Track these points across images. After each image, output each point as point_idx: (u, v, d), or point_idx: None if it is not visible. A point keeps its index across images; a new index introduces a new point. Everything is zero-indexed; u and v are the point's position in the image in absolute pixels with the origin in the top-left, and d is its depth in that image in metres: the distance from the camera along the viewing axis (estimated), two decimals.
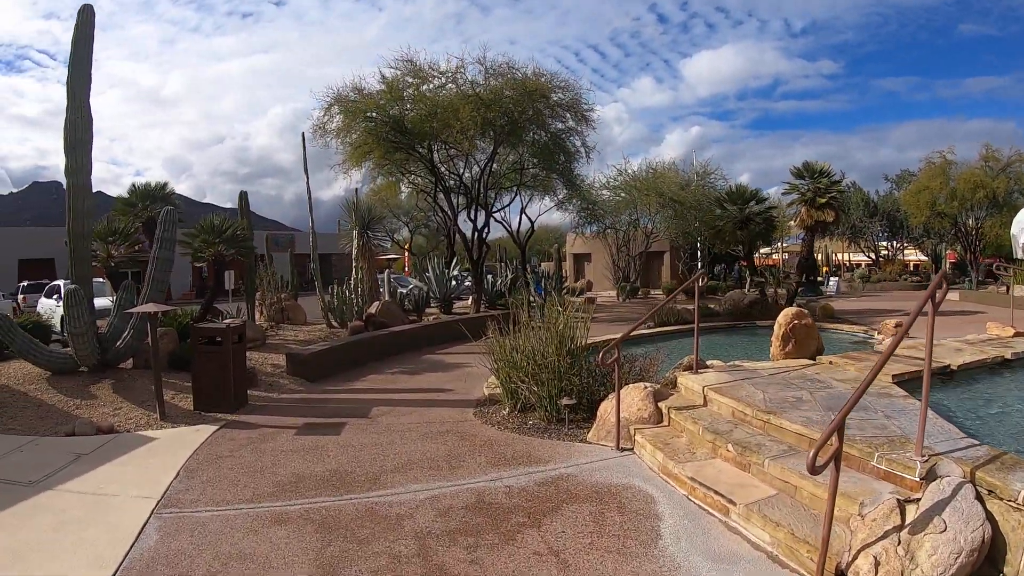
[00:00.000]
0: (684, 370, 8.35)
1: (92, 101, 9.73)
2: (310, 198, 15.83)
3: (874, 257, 48.16)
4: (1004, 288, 29.50)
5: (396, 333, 14.40)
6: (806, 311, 9.88)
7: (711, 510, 5.35)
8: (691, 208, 29.80)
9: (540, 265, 39.90)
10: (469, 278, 24.52)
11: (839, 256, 53.88)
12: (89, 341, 9.46)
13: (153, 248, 10.03)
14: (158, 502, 5.55)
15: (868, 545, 4.23)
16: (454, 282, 22.98)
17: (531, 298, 24.14)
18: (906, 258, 49.93)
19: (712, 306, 21.71)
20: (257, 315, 15.79)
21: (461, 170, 21.33)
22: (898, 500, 4.50)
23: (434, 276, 21.76)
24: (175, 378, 9.95)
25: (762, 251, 43.85)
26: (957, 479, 4.47)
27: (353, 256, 16.77)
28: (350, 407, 9.11)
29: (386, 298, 18.33)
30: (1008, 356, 9.98)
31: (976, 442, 5.41)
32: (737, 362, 9.15)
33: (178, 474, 6.26)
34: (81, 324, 9.20)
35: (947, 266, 47.25)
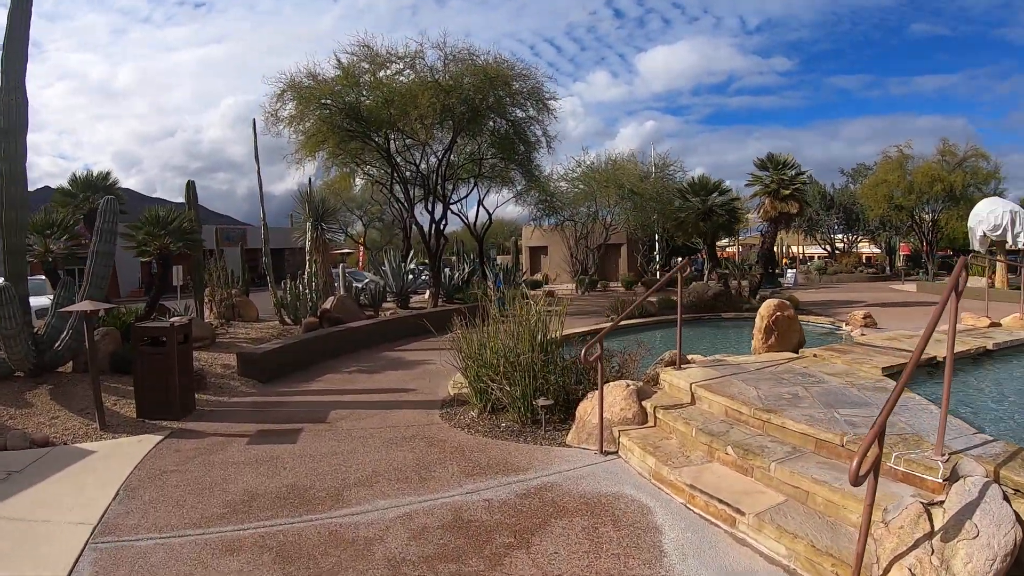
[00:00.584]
0: (666, 366, 7.81)
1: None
2: (261, 188, 15.01)
3: (830, 249, 48.61)
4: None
5: (353, 329, 13.64)
6: (787, 302, 9.44)
7: (715, 520, 4.82)
8: (650, 200, 29.58)
9: (500, 258, 39.24)
10: (426, 272, 23.81)
11: (793, 249, 54.44)
12: (23, 344, 8.51)
13: (92, 241, 9.16)
14: (94, 529, 4.79)
15: (900, 556, 3.83)
16: (411, 276, 22.24)
17: (491, 291, 23.85)
18: (859, 251, 50.68)
19: (674, 298, 21.30)
20: (206, 312, 14.89)
21: (418, 160, 20.53)
22: (923, 504, 4.06)
23: (390, 270, 21.00)
24: (118, 382, 9.06)
25: (717, 243, 43.86)
26: (981, 479, 4.06)
27: (306, 249, 15.89)
28: (306, 411, 8.34)
29: (341, 293, 17.51)
30: (990, 347, 9.87)
31: (990, 437, 5.10)
32: (719, 356, 8.67)
33: (117, 494, 5.46)
34: (13, 325, 8.26)
35: (901, 259, 48.28)
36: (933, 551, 3.75)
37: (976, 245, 27.33)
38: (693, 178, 23.21)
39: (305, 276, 15.50)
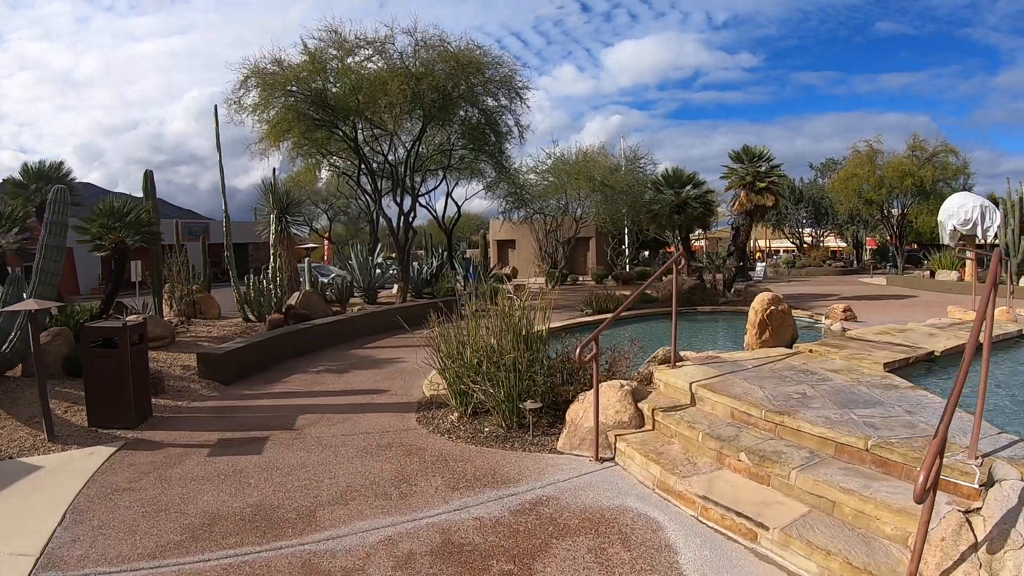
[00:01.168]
0: (660, 364, 7.33)
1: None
2: (223, 177, 14.08)
3: (798, 243, 48.77)
4: (928, 273, 30.50)
5: (319, 326, 12.97)
6: (780, 296, 9.03)
7: (734, 535, 4.36)
8: (621, 193, 29.24)
9: (469, 252, 38.66)
10: (394, 266, 23.14)
11: (760, 243, 54.60)
12: None
13: (41, 234, 8.42)
14: (37, 560, 4.15)
15: (947, 572, 3.52)
16: (379, 270, 21.53)
17: (460, 286, 23.31)
18: (826, 245, 50.99)
19: (649, 291, 20.96)
20: (166, 309, 14.10)
21: (386, 151, 19.78)
22: (962, 513, 3.75)
23: (357, 264, 20.23)
24: (71, 387, 8.29)
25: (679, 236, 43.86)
26: (1019, 483, 3.77)
27: (271, 243, 15.12)
28: (272, 416, 7.66)
29: (306, 288, 16.81)
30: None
31: (1016, 437, 4.76)
32: (711, 353, 8.21)
33: (64, 517, 4.79)
34: None
35: (868, 252, 48.78)
36: (980, 564, 3.48)
37: (946, 239, 27.54)
38: (667, 170, 22.77)
39: (269, 271, 14.74)
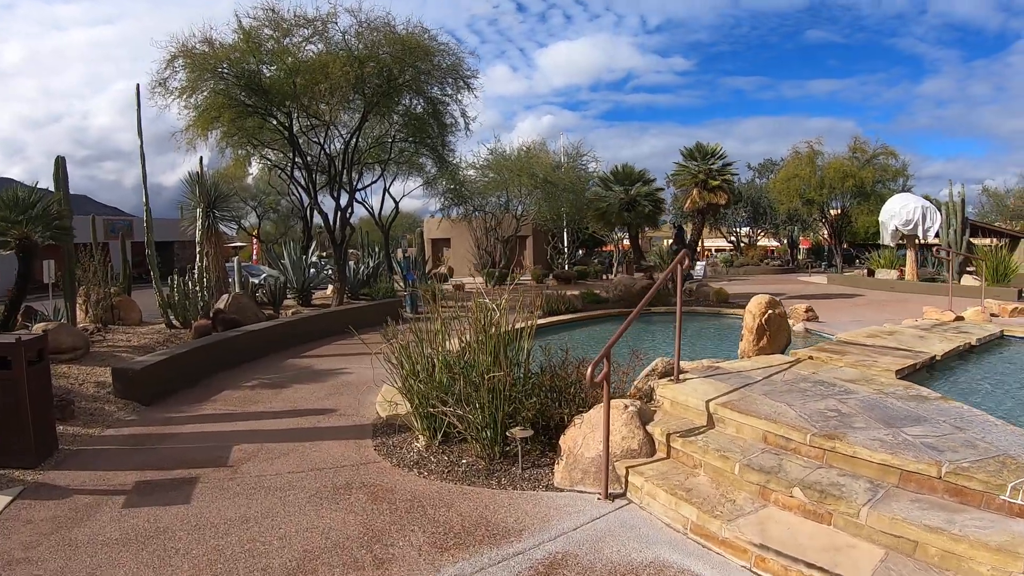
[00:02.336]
0: (660, 377, 6.36)
1: None
2: (144, 164, 12.35)
3: (735, 242, 48.97)
4: (865, 272, 31.13)
5: (252, 333, 11.60)
6: (777, 299, 8.23)
7: None
8: (563, 190, 28.54)
9: (410, 250, 37.35)
10: (330, 265, 21.79)
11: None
12: None
13: None
14: None
15: None
16: (313, 270, 20.17)
17: (399, 286, 22.24)
18: (761, 244, 51.54)
19: (598, 292, 20.19)
20: (80, 315, 12.51)
21: (322, 140, 18.34)
22: None
23: (290, 263, 18.82)
24: None
25: (617, 235, 43.93)
26: None
27: (197, 240, 13.60)
28: (201, 447, 6.35)
29: (236, 290, 15.37)
30: (973, 342, 9.30)
31: None
32: (708, 362, 7.31)
33: None
34: None
35: (802, 252, 49.63)
36: None
37: (887, 239, 28.00)
38: (616, 167, 21.95)
39: (195, 271, 13.29)
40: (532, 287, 29.19)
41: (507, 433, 5.43)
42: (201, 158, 13.98)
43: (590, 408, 5.63)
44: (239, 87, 14.53)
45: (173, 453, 6.16)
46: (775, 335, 7.91)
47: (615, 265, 41.22)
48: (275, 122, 16.24)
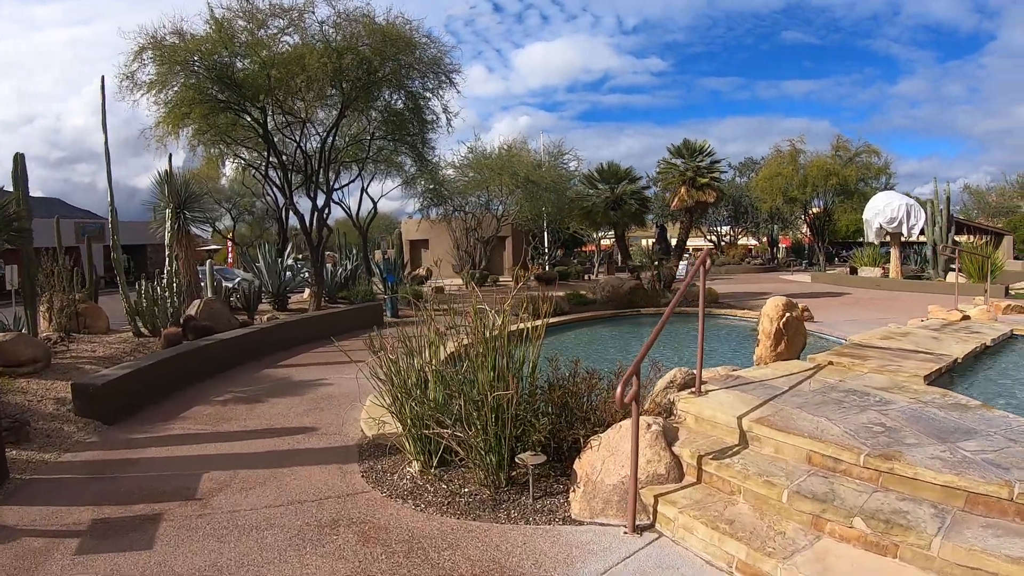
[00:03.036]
0: (680, 389, 5.77)
1: None
2: (108, 157, 11.64)
3: (715, 241, 48.72)
4: (848, 269, 31.05)
5: (225, 342, 10.86)
6: (794, 301, 7.73)
7: None
8: (545, 189, 27.99)
9: (389, 251, 36.56)
10: (306, 268, 21.05)
11: (672, 241, 54.48)
12: None
13: None
14: None
15: None
16: (289, 273, 19.41)
17: (379, 289, 21.50)
18: (741, 243, 51.47)
19: (584, 292, 19.62)
20: (43, 324, 11.71)
21: (298, 138, 17.56)
22: None
23: (266, 266, 18.08)
24: None
25: (597, 235, 43.65)
26: None
27: (166, 243, 12.82)
28: (168, 475, 5.65)
29: (209, 295, 14.61)
30: (988, 343, 8.90)
31: None
32: (724, 370, 6.77)
33: None
34: None
35: (782, 251, 49.61)
36: None
37: (872, 237, 28.03)
38: (601, 165, 21.40)
39: (165, 275, 12.52)
40: (510, 288, 28.58)
41: (516, 458, 4.81)
42: (171, 155, 13.23)
43: (606, 428, 5.01)
44: (211, 81, 13.75)
45: (136, 483, 5.45)
46: (792, 339, 7.40)
47: (596, 265, 40.81)
48: (249, 119, 15.50)
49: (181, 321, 11.87)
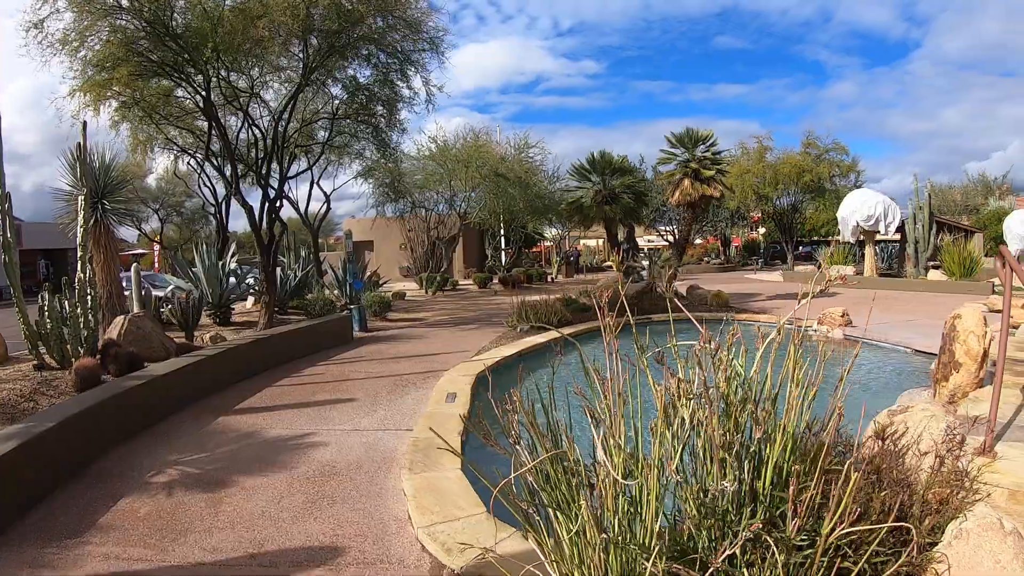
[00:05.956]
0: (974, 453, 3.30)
1: None
2: None
3: (673, 241, 47.50)
4: (817, 269, 30.09)
5: (160, 380, 7.66)
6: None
7: None
8: (513, 183, 25.56)
9: (331, 254, 33.57)
10: (252, 272, 17.94)
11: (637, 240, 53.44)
12: None
13: None
14: None
15: None
16: (233, 279, 16.28)
17: (336, 294, 18.52)
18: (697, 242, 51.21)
19: (584, 301, 17.07)
20: None
21: (246, 108, 14.24)
22: None
23: (204, 271, 14.94)
24: None
25: (550, 232, 42.23)
26: None
27: (79, 242, 9.49)
28: None
29: (135, 310, 11.49)
30: None
31: None
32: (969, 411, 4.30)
33: None
34: None
35: (735, 250, 49.21)
36: None
37: (848, 235, 27.78)
38: (592, 155, 19.00)
39: (77, 285, 9.24)
40: (477, 294, 26.11)
41: None
42: (84, 123, 9.96)
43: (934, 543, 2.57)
44: (145, 33, 10.58)
45: None
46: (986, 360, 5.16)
47: (555, 266, 38.66)
48: (190, 88, 12.32)
49: (99, 346, 8.89)
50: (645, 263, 24.90)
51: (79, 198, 9.52)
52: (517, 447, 2.94)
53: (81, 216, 9.39)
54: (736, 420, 2.95)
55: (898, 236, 28.82)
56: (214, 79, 12.07)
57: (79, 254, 9.31)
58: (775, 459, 2.81)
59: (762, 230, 48.75)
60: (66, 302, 8.90)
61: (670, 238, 48.34)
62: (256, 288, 17.89)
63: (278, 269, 16.80)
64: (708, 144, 17.84)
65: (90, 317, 9.03)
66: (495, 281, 30.18)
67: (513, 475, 2.81)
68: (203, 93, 12.13)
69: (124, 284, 13.12)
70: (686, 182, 17.30)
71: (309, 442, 6.33)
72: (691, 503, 2.73)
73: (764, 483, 2.80)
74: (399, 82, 14.29)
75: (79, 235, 9.38)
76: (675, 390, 2.96)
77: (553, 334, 12.90)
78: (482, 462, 5.86)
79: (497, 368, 9.82)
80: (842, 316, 13.36)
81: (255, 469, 5.59)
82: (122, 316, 10.02)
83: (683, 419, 2.87)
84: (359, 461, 5.63)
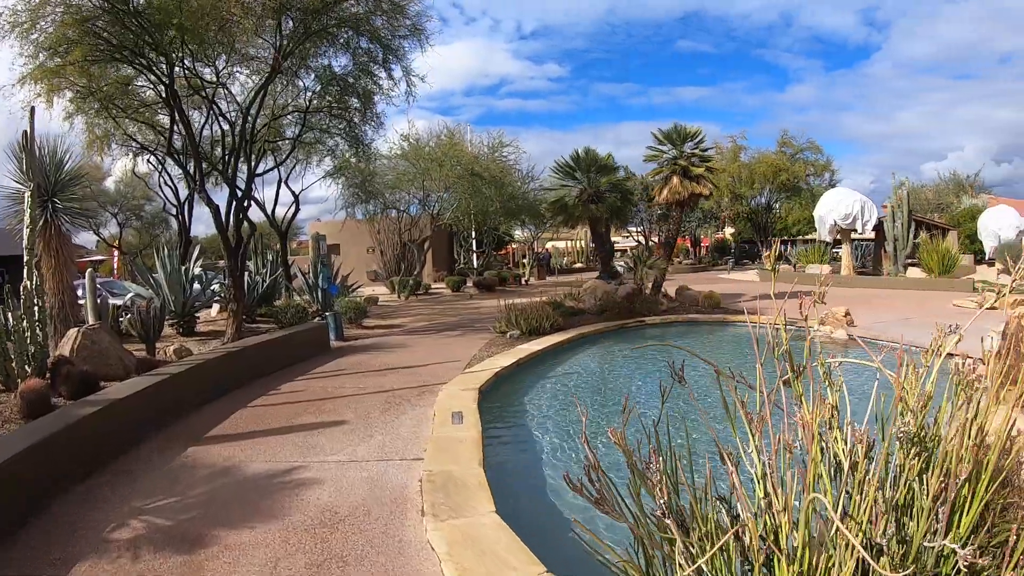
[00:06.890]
0: None
1: None
2: None
3: (644, 241, 47.09)
4: (794, 268, 30.73)
5: (118, 405, 6.50)
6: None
7: None
8: (488, 183, 24.72)
9: (297, 258, 32.29)
10: (217, 278, 16.79)
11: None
12: None
13: None
14: None
15: None
16: (197, 284, 15.11)
17: (301, 300, 17.47)
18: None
19: (576, 304, 16.26)
20: None
21: (212, 97, 13.06)
22: None
23: (166, 277, 13.78)
24: None
25: (526, 234, 41.81)
26: None
27: (25, 245, 8.33)
28: None
29: (91, 321, 10.37)
30: None
31: None
32: None
33: None
34: None
35: (704, 250, 49.30)
36: None
37: (824, 234, 27.68)
38: (577, 152, 18.24)
39: (23, 294, 8.11)
40: (452, 298, 25.21)
41: None
42: (32, 109, 8.83)
43: None
44: (99, 7, 9.45)
45: None
46: None
47: (527, 268, 37.99)
48: (152, 76, 11.19)
49: (49, 365, 7.83)
50: (621, 265, 24.35)
51: (25, 194, 8.39)
52: (667, 521, 2.07)
53: (28, 215, 8.28)
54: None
55: (874, 235, 28.85)
56: (178, 67, 10.96)
57: (25, 258, 8.20)
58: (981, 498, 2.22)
59: (730, 230, 48.70)
60: (10, 314, 7.80)
61: (640, 239, 48.19)
62: (222, 295, 16.78)
63: (246, 274, 15.68)
64: (696, 141, 17.23)
65: (38, 331, 7.94)
66: (469, 284, 29.33)
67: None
68: (166, 81, 11.01)
69: (79, 292, 11.94)
70: (675, 180, 16.64)
71: (299, 479, 5.38)
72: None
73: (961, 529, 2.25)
74: (378, 71, 13.24)
75: (25, 236, 8.27)
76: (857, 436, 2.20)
77: (550, 340, 12.13)
78: (509, 497, 4.98)
79: (496, 381, 8.97)
80: (845, 316, 12.88)
81: (238, 519, 4.61)
82: (75, 329, 8.93)
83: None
84: (365, 504, 4.72)
